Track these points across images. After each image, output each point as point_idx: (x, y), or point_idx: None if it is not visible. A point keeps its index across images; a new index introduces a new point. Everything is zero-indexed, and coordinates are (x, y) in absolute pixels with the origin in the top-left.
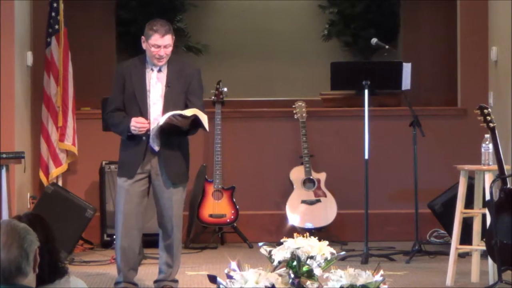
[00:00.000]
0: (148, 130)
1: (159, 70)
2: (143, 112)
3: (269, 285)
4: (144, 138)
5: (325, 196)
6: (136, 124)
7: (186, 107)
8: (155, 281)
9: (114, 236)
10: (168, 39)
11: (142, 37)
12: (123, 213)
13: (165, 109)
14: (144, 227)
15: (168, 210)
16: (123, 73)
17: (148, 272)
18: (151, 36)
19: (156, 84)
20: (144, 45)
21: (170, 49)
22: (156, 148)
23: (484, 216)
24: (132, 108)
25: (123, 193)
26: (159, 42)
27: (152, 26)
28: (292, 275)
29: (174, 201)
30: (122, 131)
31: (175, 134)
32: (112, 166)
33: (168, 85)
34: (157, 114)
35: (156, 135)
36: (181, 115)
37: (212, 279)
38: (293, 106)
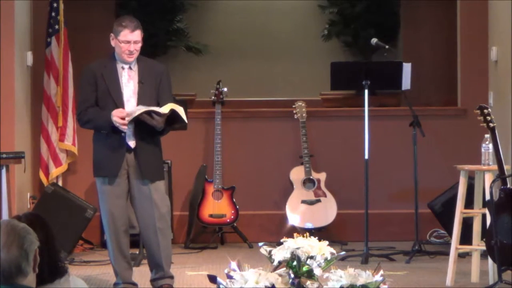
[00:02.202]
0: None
1: (130, 68)
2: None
3: (269, 285)
4: (123, 134)
5: (325, 196)
6: (118, 115)
7: (157, 103)
8: (152, 280)
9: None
10: (138, 35)
11: (111, 34)
12: (111, 217)
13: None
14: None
15: (148, 208)
16: (93, 73)
17: (148, 272)
18: (121, 32)
19: (128, 82)
20: (113, 42)
21: (139, 45)
22: (132, 145)
23: (484, 216)
24: (107, 105)
25: (106, 198)
26: (129, 38)
27: (121, 22)
28: (292, 275)
29: (154, 199)
30: (103, 124)
31: (148, 132)
32: None
33: (142, 81)
34: (131, 111)
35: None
36: (158, 114)
37: (212, 279)
38: (293, 106)
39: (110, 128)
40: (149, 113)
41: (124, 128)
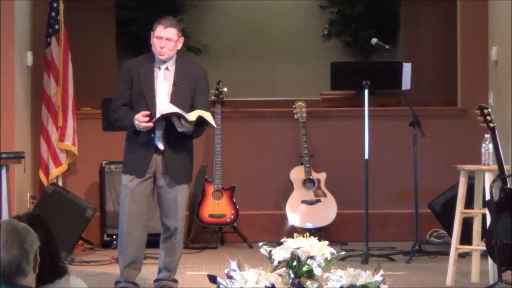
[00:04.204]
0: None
1: (166, 69)
2: (151, 109)
3: (269, 285)
4: (152, 135)
5: (325, 196)
6: (140, 119)
7: (192, 107)
8: (155, 280)
9: (115, 236)
10: (171, 33)
11: (152, 32)
12: (128, 214)
13: None
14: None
15: (172, 210)
16: (130, 71)
17: (148, 272)
18: (156, 28)
19: (163, 82)
20: (151, 40)
21: (172, 44)
22: (161, 147)
23: (484, 216)
24: (139, 105)
25: (128, 194)
26: (162, 34)
27: (160, 19)
28: (292, 275)
29: (179, 201)
30: (127, 125)
31: (178, 135)
32: (112, 166)
33: (176, 84)
34: (165, 108)
35: (160, 125)
36: (186, 120)
37: (212, 279)
38: (293, 106)
39: (131, 131)
40: (179, 116)
41: (148, 126)
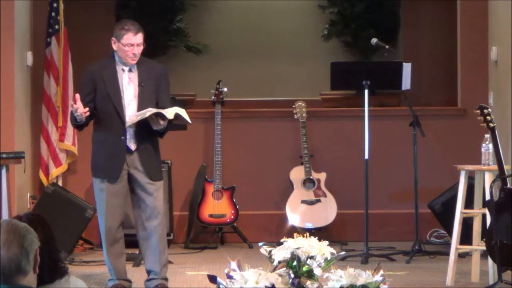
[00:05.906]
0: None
1: (130, 70)
2: (119, 112)
3: (269, 285)
4: (123, 137)
5: (325, 196)
6: (78, 110)
7: (156, 105)
8: (146, 281)
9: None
10: (140, 37)
11: (112, 38)
12: (106, 216)
13: (140, 109)
14: None
15: (150, 207)
16: (93, 75)
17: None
18: (123, 35)
19: (129, 85)
20: (115, 46)
21: (141, 47)
22: (133, 148)
23: (484, 216)
24: (107, 108)
25: (103, 196)
26: (133, 41)
27: (123, 26)
28: (292, 275)
29: (155, 197)
30: (72, 122)
31: (148, 134)
32: None
33: (141, 84)
34: (132, 114)
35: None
36: (163, 118)
37: (212, 279)
38: (293, 106)
39: (75, 126)
40: (157, 114)
41: (82, 112)
